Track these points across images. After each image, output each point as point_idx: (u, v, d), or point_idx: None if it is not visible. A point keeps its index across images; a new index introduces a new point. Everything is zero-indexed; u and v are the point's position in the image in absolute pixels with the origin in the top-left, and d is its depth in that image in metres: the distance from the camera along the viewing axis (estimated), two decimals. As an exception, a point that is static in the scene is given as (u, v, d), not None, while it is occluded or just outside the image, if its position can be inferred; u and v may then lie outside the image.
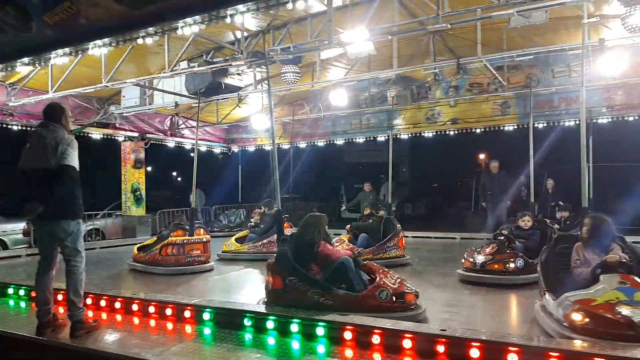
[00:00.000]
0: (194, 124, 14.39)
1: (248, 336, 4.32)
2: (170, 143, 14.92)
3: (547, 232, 7.02)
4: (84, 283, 4.51)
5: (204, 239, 8.28)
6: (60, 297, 5.13)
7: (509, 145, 14.42)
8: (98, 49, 6.72)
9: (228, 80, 9.61)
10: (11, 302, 5.84)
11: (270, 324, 4.38)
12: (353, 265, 4.89)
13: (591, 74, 8.30)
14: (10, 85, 10.42)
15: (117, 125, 12.83)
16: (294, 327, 4.28)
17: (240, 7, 5.40)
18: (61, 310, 4.89)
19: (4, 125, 10.98)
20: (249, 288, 7.04)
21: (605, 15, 7.85)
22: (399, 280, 4.93)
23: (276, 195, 5.81)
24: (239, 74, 9.78)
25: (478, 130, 12.59)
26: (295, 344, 4.10)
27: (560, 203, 10.39)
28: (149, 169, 19.30)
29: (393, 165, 10.92)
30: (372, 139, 14.39)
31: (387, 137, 13.78)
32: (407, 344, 3.78)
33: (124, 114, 12.31)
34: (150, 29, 6.00)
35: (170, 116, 14.40)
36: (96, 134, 12.79)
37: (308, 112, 13.67)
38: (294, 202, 19.27)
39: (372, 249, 7.87)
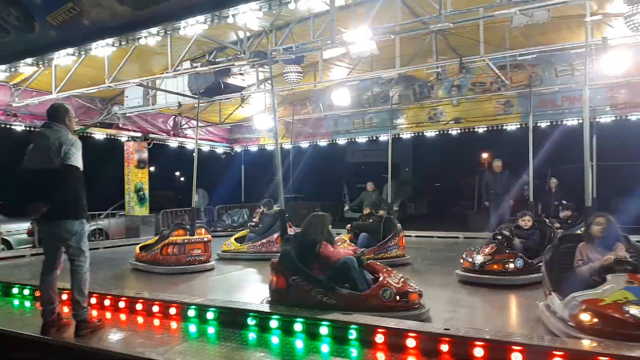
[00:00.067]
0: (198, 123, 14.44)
1: (252, 335, 4.33)
2: (173, 143, 14.96)
3: (546, 232, 6.98)
4: (88, 282, 4.52)
5: (205, 239, 8.31)
6: (64, 296, 5.14)
7: (511, 144, 14.38)
8: (101, 49, 6.76)
9: (231, 80, 9.62)
10: (16, 302, 5.86)
11: (274, 323, 4.38)
12: (357, 265, 4.89)
13: (594, 72, 8.28)
14: (14, 86, 10.46)
15: (120, 125, 12.87)
16: (298, 327, 4.28)
17: (243, 7, 5.42)
18: (66, 309, 4.90)
19: (8, 126, 11.03)
20: (249, 288, 7.09)
21: (608, 14, 7.84)
22: (402, 279, 4.93)
23: (279, 194, 5.82)
24: (241, 74, 9.80)
25: (481, 130, 12.57)
26: (299, 343, 4.10)
27: (564, 202, 10.38)
28: (152, 169, 19.33)
29: (395, 165, 10.92)
30: (374, 138, 14.38)
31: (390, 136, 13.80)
32: (410, 343, 3.78)
33: (127, 114, 12.33)
34: (153, 29, 6.04)
35: (173, 116, 14.43)
36: (99, 134, 12.83)
37: (310, 112, 13.68)
38: (296, 201, 19.30)
39: (373, 249, 7.86)
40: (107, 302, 5.28)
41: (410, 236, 12.08)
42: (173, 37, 7.53)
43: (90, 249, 4.61)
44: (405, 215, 21.20)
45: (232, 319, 4.59)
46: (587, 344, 3.49)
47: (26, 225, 11.12)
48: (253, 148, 16.58)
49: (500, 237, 6.77)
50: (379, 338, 3.91)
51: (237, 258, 9.26)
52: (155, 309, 5.00)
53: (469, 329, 3.88)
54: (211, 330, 4.51)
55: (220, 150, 16.72)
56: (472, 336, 3.64)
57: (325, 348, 3.97)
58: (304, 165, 16.81)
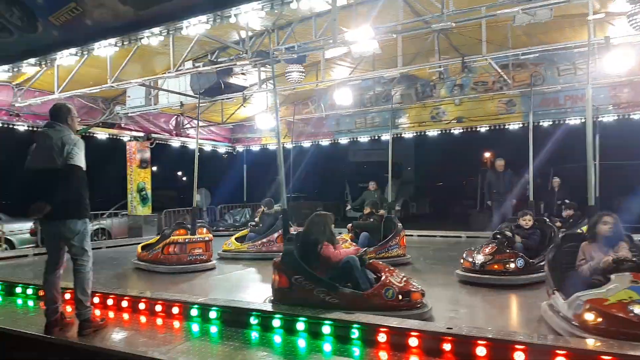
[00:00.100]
0: (200, 123, 14.45)
1: (254, 334, 4.33)
2: (176, 143, 14.97)
3: (547, 231, 6.94)
4: (91, 282, 4.54)
5: (206, 238, 8.33)
6: (67, 296, 5.16)
7: (514, 143, 14.35)
8: (104, 49, 6.77)
9: (233, 80, 9.63)
10: (19, 301, 5.88)
11: (276, 323, 4.39)
12: (359, 264, 4.89)
13: (597, 71, 8.27)
14: (16, 86, 10.48)
15: (122, 125, 12.89)
16: (300, 326, 4.28)
17: (245, 7, 5.42)
18: (69, 309, 4.92)
19: (11, 126, 11.06)
20: (249, 287, 7.14)
21: (611, 13, 7.82)
22: (404, 278, 4.93)
23: (282, 194, 5.82)
24: (243, 74, 9.80)
25: (483, 129, 12.56)
26: (302, 342, 4.11)
27: (567, 201, 10.36)
28: (155, 168, 19.34)
29: (398, 165, 10.92)
30: (376, 138, 14.37)
31: (392, 136, 13.78)
32: (413, 342, 3.78)
33: (130, 114, 12.36)
34: (156, 29, 6.04)
35: (176, 116, 14.44)
36: (102, 134, 12.86)
37: (312, 112, 13.68)
38: (298, 201, 19.31)
39: (374, 248, 7.86)
40: (110, 302, 5.30)
41: (412, 236, 12.08)
42: (175, 37, 7.55)
43: (92, 249, 4.62)
44: (408, 214, 21.19)
45: (234, 318, 4.60)
46: (590, 343, 3.49)
47: (29, 225, 11.17)
48: (255, 148, 16.59)
49: (500, 237, 6.73)
50: (382, 337, 3.91)
51: (238, 257, 9.27)
52: (158, 308, 5.01)
53: (471, 328, 3.87)
54: (214, 329, 4.52)
55: (222, 149, 16.75)
56: (475, 335, 3.64)
57: (327, 347, 3.97)
58: (306, 164, 16.81)
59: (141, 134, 13.52)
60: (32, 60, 7.34)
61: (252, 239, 9.50)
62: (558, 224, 10.15)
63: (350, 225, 8.92)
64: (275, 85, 6.99)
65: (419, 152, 24.07)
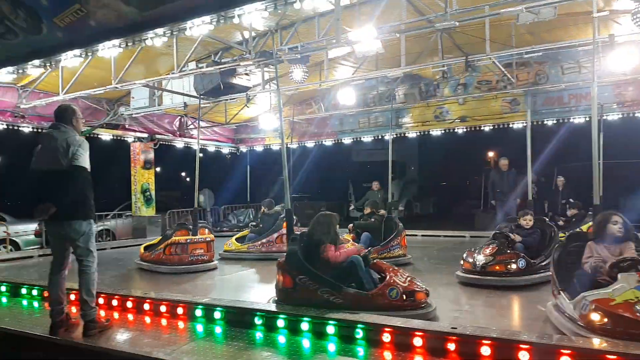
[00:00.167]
0: (203, 124, 14.49)
1: (259, 335, 4.34)
2: (179, 144, 15.00)
3: (547, 231, 6.87)
4: (96, 283, 4.55)
5: (207, 239, 8.37)
6: (73, 296, 5.19)
7: (518, 142, 14.29)
8: (108, 50, 6.79)
9: (236, 81, 9.64)
10: (24, 302, 5.91)
11: (280, 323, 4.40)
12: (363, 264, 4.89)
13: (601, 70, 8.22)
14: (21, 88, 10.53)
15: (126, 126, 12.92)
16: (305, 326, 4.29)
17: (248, 8, 5.42)
18: (74, 309, 4.94)
19: (16, 128, 11.11)
20: (249, 287, 7.15)
21: (615, 11, 7.79)
22: (409, 278, 4.92)
23: (286, 194, 5.82)
24: (247, 74, 9.81)
25: (487, 128, 12.51)
26: (306, 343, 4.11)
27: (571, 200, 10.32)
28: (159, 169, 19.43)
29: (401, 164, 10.92)
30: (380, 137, 14.36)
31: (395, 135, 13.77)
32: (417, 342, 3.78)
33: (134, 115, 12.37)
34: (159, 30, 6.05)
35: (179, 117, 14.46)
36: (106, 135, 12.90)
37: (316, 112, 13.68)
38: (302, 201, 19.31)
39: (377, 248, 7.83)
40: (114, 302, 5.32)
41: (416, 235, 12.09)
42: (179, 38, 7.56)
43: (97, 250, 4.64)
44: (411, 214, 21.18)
45: (239, 319, 4.61)
46: (595, 342, 3.47)
47: (34, 226, 11.21)
48: (259, 148, 16.60)
49: (500, 237, 6.64)
50: (386, 337, 3.91)
51: (238, 258, 9.34)
52: (163, 309, 5.02)
53: (475, 327, 3.87)
54: (218, 329, 4.53)
55: (226, 150, 16.77)
56: (479, 335, 3.63)
57: (332, 347, 3.97)
58: (310, 164, 16.83)
59: (145, 135, 13.56)
60: (36, 62, 7.37)
61: (252, 239, 9.55)
62: (561, 222, 10.13)
63: (351, 225, 8.91)
64: (279, 86, 6.99)
65: (422, 152, 24.04)
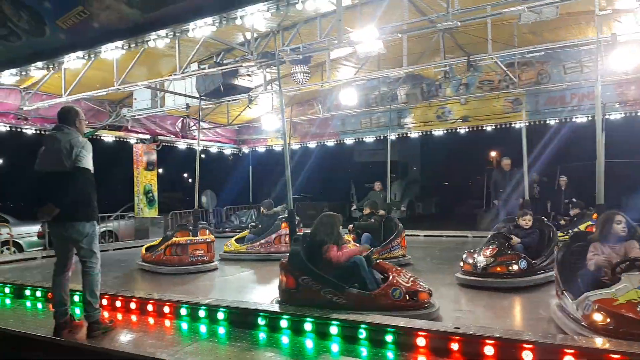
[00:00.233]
0: (205, 125, 14.51)
1: (262, 335, 4.34)
2: (182, 145, 15.02)
3: (545, 231, 6.80)
4: (100, 284, 4.57)
5: (208, 239, 8.40)
6: (76, 298, 5.20)
7: (520, 142, 14.30)
8: (110, 52, 6.81)
9: (238, 82, 9.65)
10: (28, 304, 5.93)
11: (284, 323, 4.40)
12: (366, 264, 4.89)
13: (603, 69, 8.22)
14: (24, 90, 10.57)
15: (129, 127, 12.95)
16: (308, 326, 4.29)
17: (251, 9, 5.44)
18: (78, 310, 4.95)
19: (19, 130, 11.14)
20: (248, 287, 7.18)
21: (618, 10, 7.78)
22: (412, 278, 4.92)
23: (288, 195, 5.82)
24: (249, 75, 9.82)
25: (489, 128, 12.51)
26: (309, 343, 4.12)
27: (574, 200, 10.31)
28: (161, 170, 19.46)
29: (404, 165, 10.91)
30: (382, 137, 14.34)
31: (397, 136, 13.80)
32: (421, 342, 3.78)
33: (136, 117, 12.41)
34: (162, 32, 6.07)
35: (182, 118, 14.49)
36: (108, 137, 12.93)
37: (318, 112, 13.69)
38: (304, 202, 19.34)
39: (378, 249, 7.82)
40: (118, 304, 5.33)
41: (419, 236, 12.09)
42: (181, 39, 7.58)
43: (100, 251, 4.65)
44: (414, 214, 21.17)
45: (242, 319, 4.61)
46: (599, 342, 3.46)
47: (37, 227, 11.24)
48: (261, 149, 16.62)
49: (499, 238, 6.56)
50: (389, 337, 3.91)
51: (237, 259, 9.38)
52: (166, 309, 5.03)
53: (479, 327, 3.86)
54: (221, 330, 4.54)
55: (228, 151, 16.79)
56: (483, 335, 3.63)
57: (335, 347, 3.98)
58: (312, 165, 16.85)
59: (147, 136, 13.58)
60: (39, 64, 7.40)
61: (251, 240, 9.58)
62: (563, 222, 10.12)
63: (351, 226, 8.89)
64: (281, 86, 7.00)
65: (424, 152, 24.06)
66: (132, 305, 5.23)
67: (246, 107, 12.98)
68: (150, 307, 5.12)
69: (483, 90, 11.61)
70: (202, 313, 4.81)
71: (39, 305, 5.80)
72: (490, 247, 6.43)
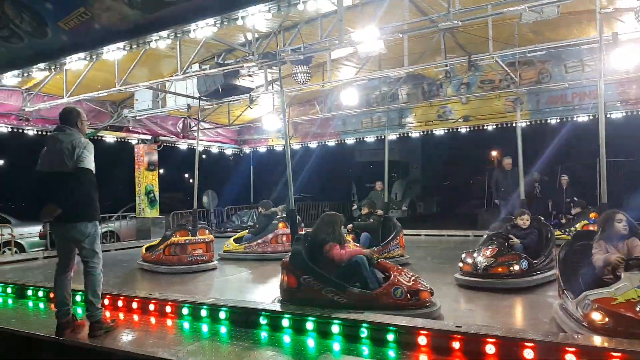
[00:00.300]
0: (207, 125, 14.53)
1: (264, 334, 4.35)
2: (183, 145, 15.04)
3: (543, 230, 6.76)
4: (102, 284, 4.58)
5: (207, 239, 8.44)
6: (78, 298, 5.22)
7: (521, 141, 14.30)
8: (112, 53, 6.82)
9: (239, 82, 9.67)
10: (30, 304, 5.94)
11: (285, 322, 4.41)
12: (367, 264, 4.90)
13: (605, 67, 8.21)
14: (26, 91, 10.59)
15: (130, 128, 12.98)
16: (309, 325, 4.30)
17: (252, 9, 5.44)
18: (80, 310, 4.96)
19: (21, 131, 11.17)
20: (248, 287, 7.17)
21: (619, 8, 7.78)
22: (413, 277, 4.93)
23: (289, 194, 5.83)
24: (250, 75, 9.84)
25: (490, 127, 12.51)
26: (311, 342, 4.12)
27: (575, 199, 10.30)
28: (162, 171, 19.45)
29: (405, 164, 10.90)
30: (383, 137, 14.29)
31: (398, 135, 13.80)
32: (422, 340, 3.79)
33: (137, 117, 12.43)
34: (164, 33, 6.09)
35: (183, 118, 14.51)
36: (110, 137, 12.96)
37: (319, 112, 13.70)
38: (305, 201, 19.33)
39: (378, 249, 7.83)
40: (119, 303, 5.34)
41: (419, 235, 12.09)
42: (182, 40, 7.60)
43: (102, 251, 4.66)
44: (415, 214, 21.15)
45: (243, 319, 4.62)
46: (599, 340, 3.46)
47: (38, 228, 11.27)
48: (262, 149, 16.63)
49: (498, 238, 6.50)
50: (391, 336, 3.92)
51: (236, 258, 9.44)
52: (168, 309, 5.04)
53: (480, 326, 3.87)
54: (223, 329, 4.55)
55: (229, 151, 16.80)
56: (484, 333, 3.63)
57: (336, 346, 3.98)
58: (313, 165, 16.86)
59: (149, 137, 13.61)
60: (41, 65, 7.41)
61: (249, 239, 9.62)
62: (563, 220, 10.12)
63: (350, 225, 8.87)
64: (282, 87, 7.02)
65: (425, 152, 24.03)
66: (134, 305, 5.24)
67: (247, 108, 12.98)
68: (152, 307, 5.13)
69: (484, 89, 11.61)
70: (203, 312, 4.82)
71: (41, 305, 5.81)
72: (490, 247, 6.34)
